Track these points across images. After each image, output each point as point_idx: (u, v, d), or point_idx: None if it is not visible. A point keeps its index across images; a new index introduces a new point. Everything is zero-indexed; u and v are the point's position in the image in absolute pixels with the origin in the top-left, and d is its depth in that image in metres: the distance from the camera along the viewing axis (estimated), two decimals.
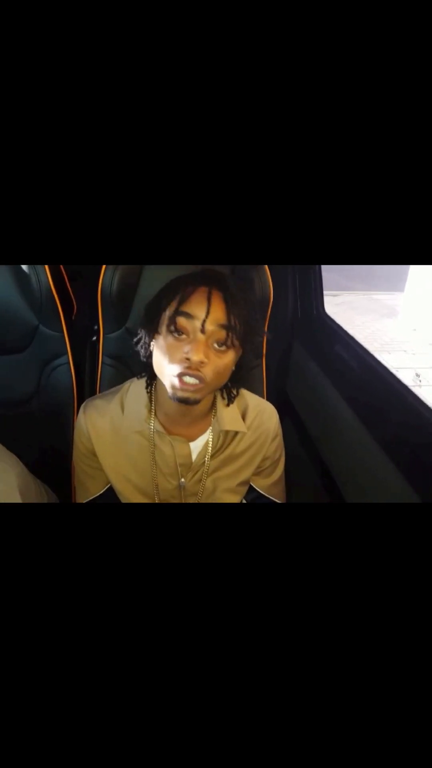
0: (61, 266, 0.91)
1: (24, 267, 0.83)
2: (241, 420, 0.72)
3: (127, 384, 0.73)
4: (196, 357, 0.57)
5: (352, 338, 1.06)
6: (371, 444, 0.77)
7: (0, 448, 0.66)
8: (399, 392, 0.81)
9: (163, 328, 0.61)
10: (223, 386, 0.70)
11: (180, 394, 0.59)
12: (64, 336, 0.91)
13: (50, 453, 0.95)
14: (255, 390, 0.80)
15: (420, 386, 3.15)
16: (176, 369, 0.58)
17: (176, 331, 0.59)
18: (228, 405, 0.71)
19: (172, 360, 0.59)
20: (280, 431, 0.78)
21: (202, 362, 0.57)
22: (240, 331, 0.60)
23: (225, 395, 0.72)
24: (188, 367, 0.57)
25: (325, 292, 1.25)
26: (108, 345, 0.93)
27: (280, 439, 0.78)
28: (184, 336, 0.59)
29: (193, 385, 0.58)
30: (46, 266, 0.83)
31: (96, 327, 0.93)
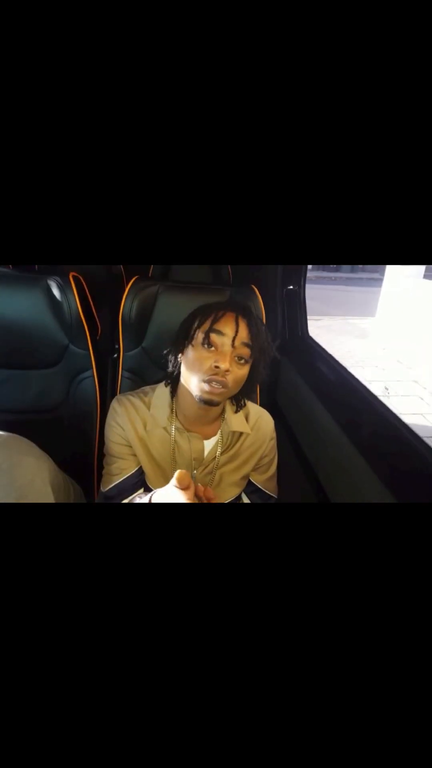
0: (88, 293, 0.94)
1: (56, 293, 0.86)
2: (246, 423, 0.76)
3: (148, 388, 0.76)
4: (224, 365, 0.62)
5: (331, 356, 1.09)
6: (348, 445, 0.78)
7: (34, 448, 0.67)
8: (370, 402, 0.83)
9: (197, 342, 0.65)
10: (233, 395, 0.73)
11: (206, 396, 0.63)
12: (90, 353, 0.93)
13: (76, 452, 0.95)
14: (251, 400, 0.83)
15: (388, 396, 3.19)
16: (206, 375, 0.63)
17: (208, 344, 0.64)
18: (236, 412, 0.76)
19: (202, 368, 0.63)
20: (274, 434, 0.81)
21: (228, 371, 0.62)
22: (257, 350, 0.66)
23: (234, 403, 0.76)
24: (215, 374, 0.62)
25: (308, 317, 1.28)
26: (127, 361, 0.95)
27: (274, 441, 0.81)
28: (213, 349, 0.64)
29: (218, 389, 0.63)
30: (75, 293, 0.86)
31: (117, 346, 0.95)
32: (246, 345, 0.64)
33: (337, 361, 1.04)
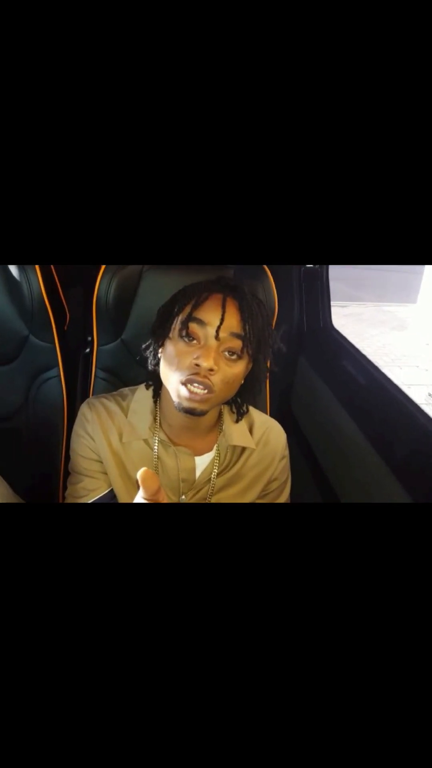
0: (54, 273, 0.92)
1: (14, 273, 0.85)
2: (250, 436, 0.74)
3: (127, 390, 0.75)
4: (205, 363, 0.59)
5: (360, 353, 1.08)
6: (380, 467, 0.79)
7: None
8: (410, 412, 0.82)
9: (175, 333, 0.63)
10: (232, 401, 0.72)
11: (186, 403, 0.61)
12: (55, 347, 0.91)
13: (37, 472, 0.95)
14: (257, 407, 0.82)
15: None
16: (184, 375, 0.60)
17: (187, 336, 0.61)
18: (237, 421, 0.73)
19: (180, 366, 0.61)
20: (287, 451, 0.79)
21: (211, 369, 0.59)
22: (253, 341, 0.62)
23: (234, 410, 0.74)
24: (196, 374, 0.60)
25: (332, 303, 1.28)
26: (102, 357, 0.93)
27: (287, 460, 0.79)
28: (195, 342, 0.61)
29: (200, 394, 0.60)
30: (38, 272, 0.85)
31: (90, 338, 0.94)
32: (236, 336, 0.61)
33: (368, 360, 1.04)
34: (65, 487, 0.76)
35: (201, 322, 0.61)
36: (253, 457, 0.74)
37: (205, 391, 0.60)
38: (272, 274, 0.95)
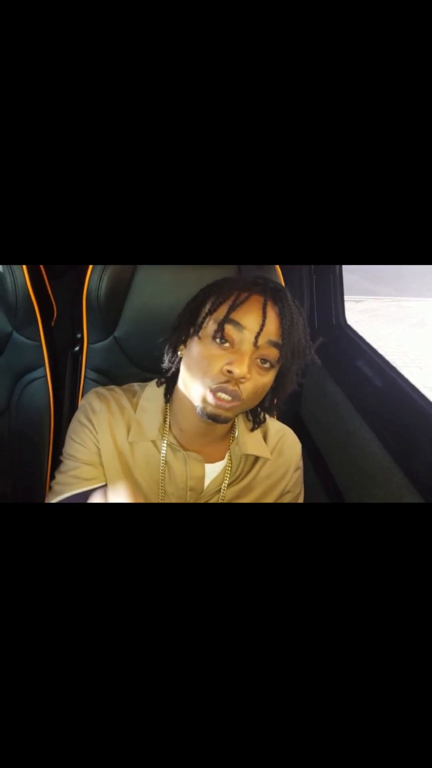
0: (41, 266, 0.91)
1: None
2: (264, 445, 0.72)
3: (137, 386, 0.74)
4: (239, 371, 0.57)
5: (376, 352, 1.06)
6: (398, 478, 0.77)
7: None
8: (428, 415, 0.80)
9: (206, 333, 0.61)
10: (252, 409, 0.69)
11: (211, 409, 0.59)
12: (41, 345, 0.90)
13: (21, 478, 0.94)
14: (270, 413, 0.81)
15: None
16: (213, 382, 0.59)
17: (221, 338, 0.59)
18: (252, 430, 0.72)
19: (209, 370, 0.59)
20: (302, 463, 0.77)
21: (244, 377, 0.57)
22: (289, 351, 0.61)
23: (251, 418, 0.73)
24: (227, 381, 0.58)
25: (346, 298, 1.25)
26: (92, 357, 0.91)
27: (301, 471, 0.78)
28: (228, 345, 0.59)
29: (227, 402, 0.58)
30: (24, 265, 0.84)
31: (79, 335, 0.92)
32: (274, 344, 0.59)
33: (385, 360, 1.02)
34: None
35: (239, 326, 0.59)
36: (266, 468, 0.73)
37: (234, 399, 0.59)
38: (281, 268, 0.93)
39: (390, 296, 5.41)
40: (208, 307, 0.62)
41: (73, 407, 0.95)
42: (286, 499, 0.75)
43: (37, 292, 0.86)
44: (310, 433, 1.17)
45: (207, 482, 0.69)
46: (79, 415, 0.70)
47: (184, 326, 0.65)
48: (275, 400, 0.70)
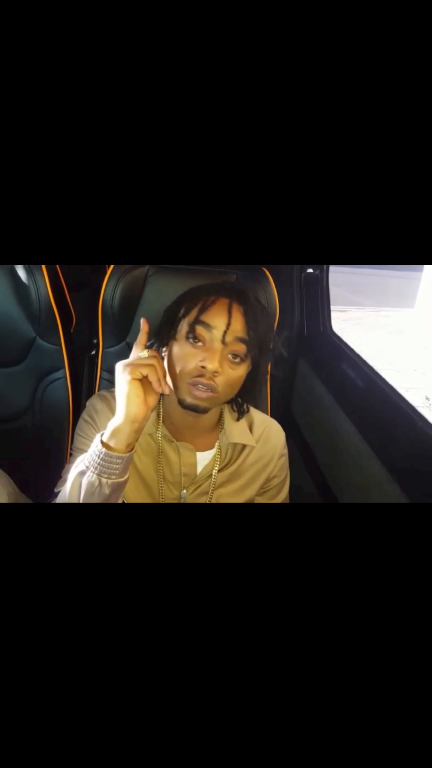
0: (61, 276, 0.94)
1: (23, 277, 0.86)
2: (249, 434, 0.77)
3: None
4: (211, 366, 0.62)
5: (359, 356, 1.09)
6: (377, 468, 0.80)
7: None
8: (407, 414, 0.83)
9: (181, 335, 0.65)
10: (233, 400, 0.74)
11: (190, 400, 0.64)
12: (62, 349, 0.93)
13: (43, 471, 0.93)
14: (259, 408, 0.84)
15: (430, 408, 3.19)
16: (189, 377, 0.64)
17: (194, 338, 0.64)
18: (237, 420, 0.76)
19: (186, 367, 0.64)
20: (286, 450, 0.82)
21: (216, 372, 0.62)
22: (256, 346, 0.66)
23: (235, 408, 0.77)
24: (202, 375, 0.63)
25: (332, 308, 1.29)
26: (107, 360, 0.96)
27: (286, 458, 0.82)
28: (200, 344, 0.64)
29: (204, 392, 0.63)
30: (46, 276, 0.87)
31: (95, 341, 0.96)
32: (241, 340, 0.64)
33: (366, 363, 1.05)
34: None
35: (208, 326, 0.63)
36: (253, 455, 0.77)
37: (209, 391, 0.63)
38: (274, 279, 0.97)
39: (371, 307, 5.52)
40: (182, 312, 0.66)
41: None
42: (273, 483, 0.80)
43: (58, 302, 0.89)
44: (299, 426, 1.19)
45: (199, 468, 0.74)
46: (84, 414, 0.74)
47: (163, 330, 0.69)
48: (253, 391, 0.74)
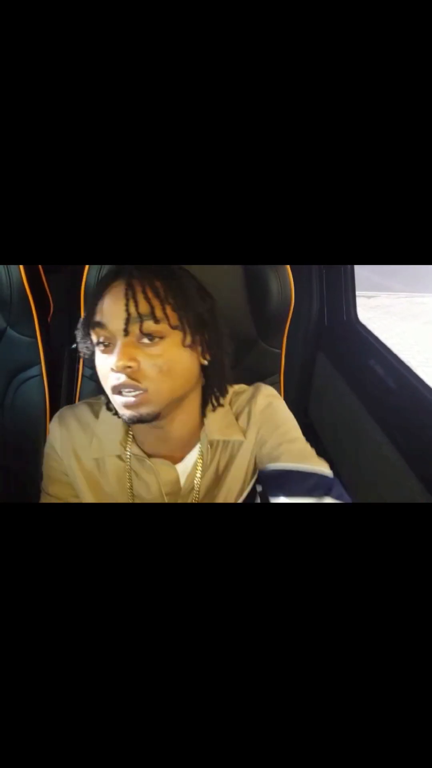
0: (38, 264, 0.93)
1: None
2: (235, 424, 0.70)
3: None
4: (119, 363, 0.56)
5: (389, 350, 1.07)
6: (412, 483, 0.77)
7: None
8: None
9: (93, 345, 0.62)
10: (205, 389, 0.68)
11: (126, 412, 0.59)
12: (37, 342, 0.91)
13: (15, 482, 0.94)
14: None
15: None
16: (111, 386, 0.59)
17: (98, 343, 0.60)
18: (214, 410, 0.69)
19: (104, 377, 0.60)
20: (270, 399, 0.73)
21: (127, 367, 0.57)
22: (178, 311, 0.59)
23: (209, 399, 0.70)
24: (119, 380, 0.57)
25: (357, 293, 1.26)
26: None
27: (272, 406, 0.72)
28: (108, 344, 0.60)
29: (134, 396, 0.58)
30: None
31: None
32: (147, 317, 0.57)
33: (398, 358, 1.03)
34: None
35: (101, 325, 0.59)
36: (245, 445, 0.71)
37: (137, 392, 0.57)
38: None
39: (403, 292, 5.42)
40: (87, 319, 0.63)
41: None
42: (279, 438, 0.70)
43: (33, 286, 0.86)
44: (318, 434, 1.17)
45: (183, 480, 0.68)
46: (46, 445, 0.71)
47: (82, 346, 0.66)
48: (217, 368, 0.67)
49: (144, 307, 0.57)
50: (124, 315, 0.57)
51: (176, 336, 0.60)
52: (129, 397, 0.57)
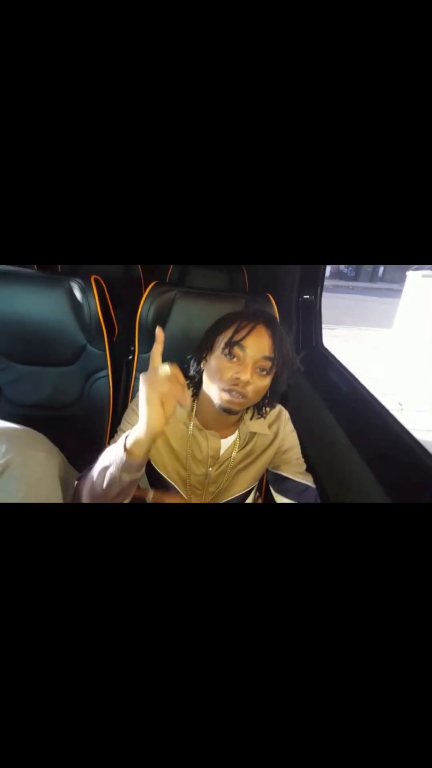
0: (107, 296, 0.95)
1: (77, 295, 0.88)
2: (265, 425, 0.76)
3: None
4: (245, 377, 0.62)
5: (343, 366, 1.08)
6: (356, 457, 0.78)
7: (46, 443, 0.67)
8: (381, 413, 0.82)
9: (218, 351, 0.65)
10: (256, 404, 0.73)
11: (226, 405, 0.64)
12: (106, 354, 0.94)
13: (87, 449, 0.93)
14: (271, 406, 0.79)
15: (401, 411, 3.12)
16: (226, 385, 0.63)
17: (230, 355, 0.64)
18: (257, 418, 0.75)
19: (223, 377, 0.63)
20: (292, 427, 0.81)
21: (248, 382, 0.62)
22: (279, 362, 0.65)
23: (255, 410, 0.76)
24: (236, 385, 0.63)
25: (324, 326, 1.26)
26: (141, 363, 0.96)
27: (294, 434, 0.81)
28: (235, 360, 0.64)
29: (237, 398, 0.63)
30: (96, 295, 0.88)
31: (132, 348, 0.97)
32: (267, 358, 0.64)
33: (349, 372, 1.03)
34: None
35: (242, 346, 0.63)
36: (266, 436, 0.77)
37: (242, 397, 0.63)
38: (276, 303, 0.96)
39: (356, 326, 5.46)
40: (220, 334, 0.66)
41: (126, 398, 0.98)
42: (292, 455, 0.77)
43: (104, 317, 0.91)
44: (293, 420, 1.16)
45: (222, 451, 0.74)
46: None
47: (203, 348, 0.68)
48: (274, 396, 0.72)
49: (272, 352, 0.63)
50: (256, 347, 0.62)
51: (272, 375, 0.66)
52: (233, 397, 0.63)
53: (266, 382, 0.66)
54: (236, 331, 0.63)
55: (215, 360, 0.65)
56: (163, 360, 0.76)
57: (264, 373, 0.64)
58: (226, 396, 0.63)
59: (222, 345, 0.64)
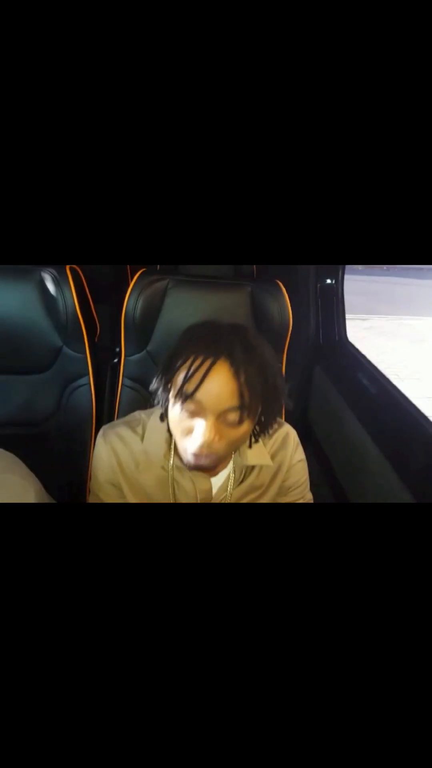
0: (87, 289, 0.96)
1: (51, 288, 0.88)
2: (265, 453, 0.71)
3: (143, 415, 0.72)
4: (207, 437, 0.56)
5: (373, 365, 1.08)
6: (392, 478, 0.78)
7: (20, 467, 0.68)
8: (418, 422, 0.82)
9: (175, 397, 0.58)
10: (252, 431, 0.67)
11: (194, 467, 0.60)
12: (86, 357, 0.94)
13: (66, 474, 0.97)
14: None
15: None
16: (184, 439, 0.58)
17: (185, 404, 0.57)
18: (250, 447, 0.69)
19: (184, 434, 0.58)
20: (303, 455, 0.77)
21: (213, 441, 0.56)
22: (254, 405, 0.58)
23: (253, 436, 0.69)
24: (201, 446, 0.56)
25: (353, 316, 1.28)
26: (129, 367, 0.97)
27: (304, 463, 0.77)
28: (196, 412, 0.57)
29: (206, 461, 0.58)
30: (72, 288, 0.88)
31: (118, 349, 0.97)
32: (233, 409, 0.56)
33: (381, 373, 1.03)
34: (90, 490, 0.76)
35: (195, 400, 0.56)
36: (268, 468, 0.73)
37: (212, 457, 0.58)
38: (290, 290, 0.96)
39: (393, 315, 5.42)
40: (178, 368, 0.58)
41: (112, 410, 0.98)
42: (296, 486, 0.75)
43: (83, 313, 0.91)
44: (314, 432, 1.17)
45: (215, 491, 0.70)
46: (94, 467, 0.70)
47: (162, 386, 0.62)
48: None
49: (239, 399, 0.55)
50: (223, 405, 0.55)
51: (251, 420, 0.59)
52: (200, 461, 0.57)
53: (242, 430, 0.59)
54: (186, 379, 0.55)
55: (173, 406, 0.59)
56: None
57: (234, 423, 0.57)
58: (191, 458, 0.58)
59: (176, 392, 0.57)
